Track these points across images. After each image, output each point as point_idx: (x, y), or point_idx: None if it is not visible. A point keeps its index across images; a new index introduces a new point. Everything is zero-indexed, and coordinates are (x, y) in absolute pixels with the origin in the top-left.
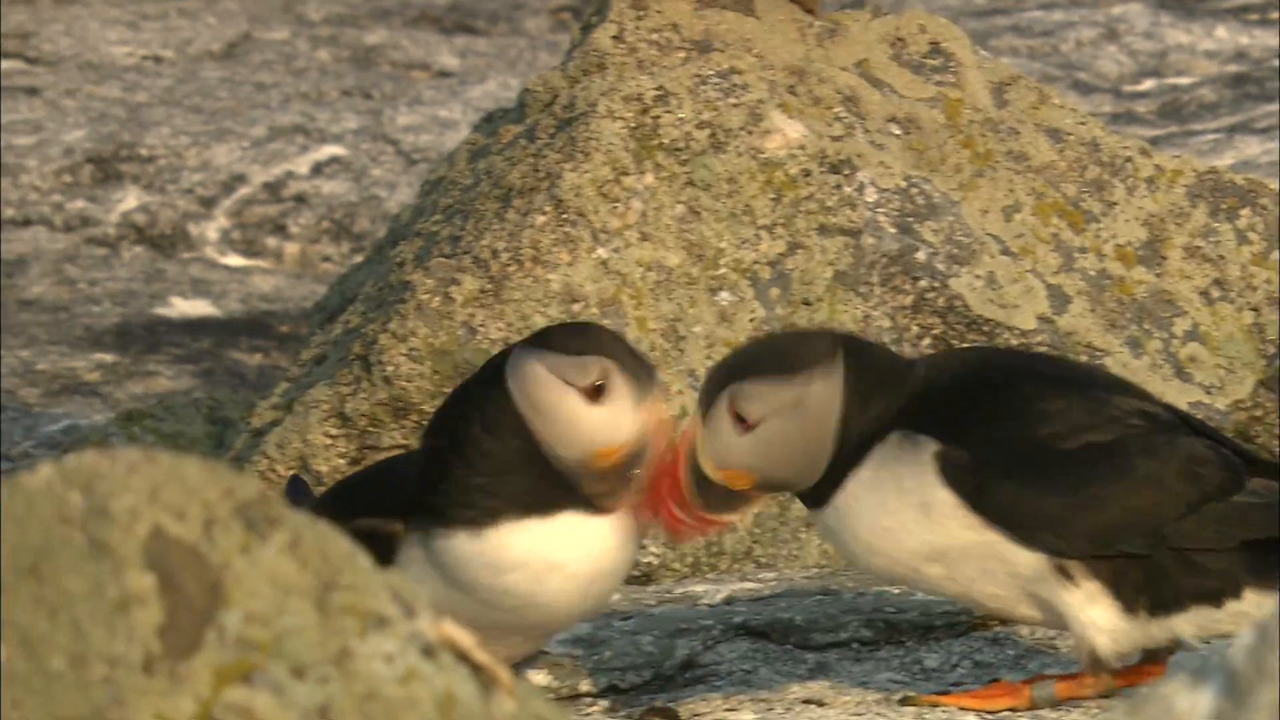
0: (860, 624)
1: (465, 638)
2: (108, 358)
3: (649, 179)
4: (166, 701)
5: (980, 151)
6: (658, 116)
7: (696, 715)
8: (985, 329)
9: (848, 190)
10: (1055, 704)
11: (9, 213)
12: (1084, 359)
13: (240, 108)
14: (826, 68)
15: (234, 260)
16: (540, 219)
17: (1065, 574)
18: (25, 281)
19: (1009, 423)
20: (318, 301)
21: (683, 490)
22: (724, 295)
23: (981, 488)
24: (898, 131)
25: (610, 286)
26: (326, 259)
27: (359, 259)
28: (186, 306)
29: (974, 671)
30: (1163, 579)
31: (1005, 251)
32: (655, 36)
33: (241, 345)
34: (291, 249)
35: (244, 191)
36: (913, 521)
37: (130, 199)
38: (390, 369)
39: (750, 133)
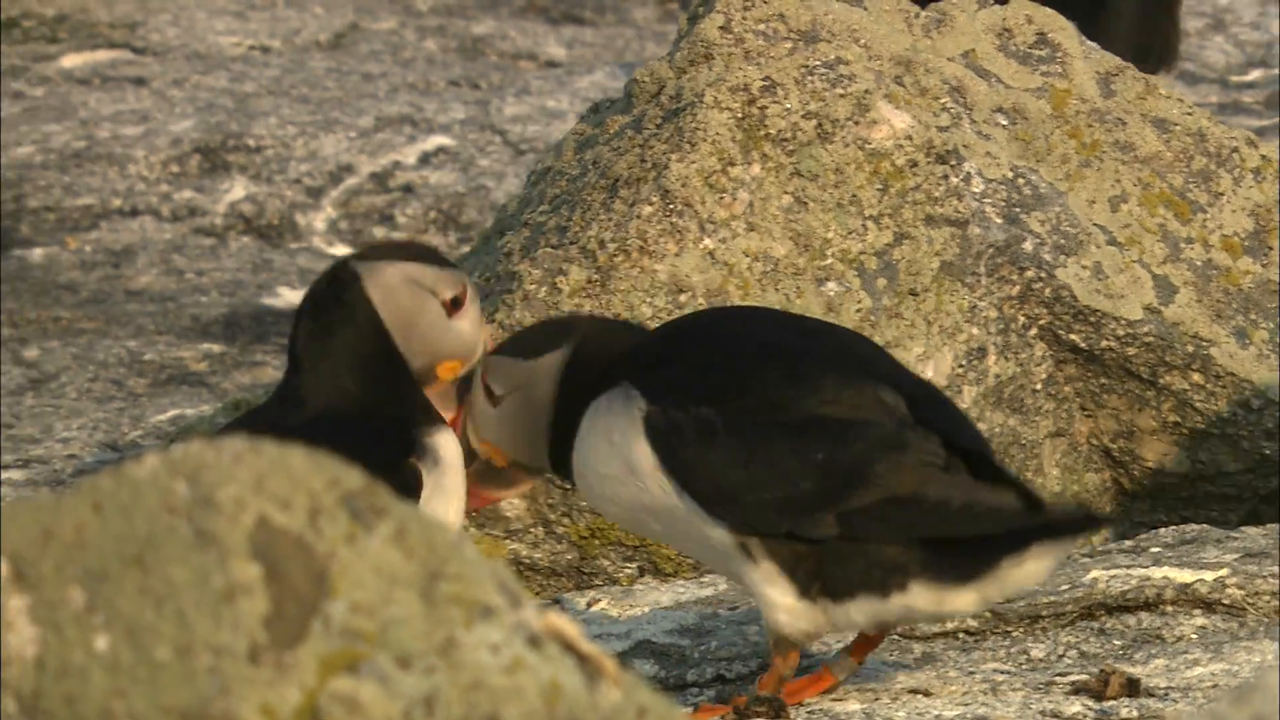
0: (966, 614)
1: (571, 628)
2: (215, 348)
3: (756, 169)
4: (272, 691)
5: (1087, 142)
6: (765, 107)
7: (802, 705)
8: (1091, 319)
9: (954, 181)
10: (759, 699)
11: (116, 203)
12: (1190, 349)
13: (348, 98)
14: (933, 58)
15: (341, 250)
16: (647, 209)
17: (746, 551)
18: (133, 272)
19: (718, 391)
20: None
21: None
22: (831, 285)
23: (677, 452)
24: (1004, 122)
25: (717, 277)
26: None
27: (466, 249)
28: (294, 296)
29: (1080, 662)
30: (835, 565)
31: (1112, 242)
32: (762, 27)
33: None
34: (399, 239)
35: (351, 182)
36: (623, 475)
37: (238, 189)
38: None
39: (857, 123)
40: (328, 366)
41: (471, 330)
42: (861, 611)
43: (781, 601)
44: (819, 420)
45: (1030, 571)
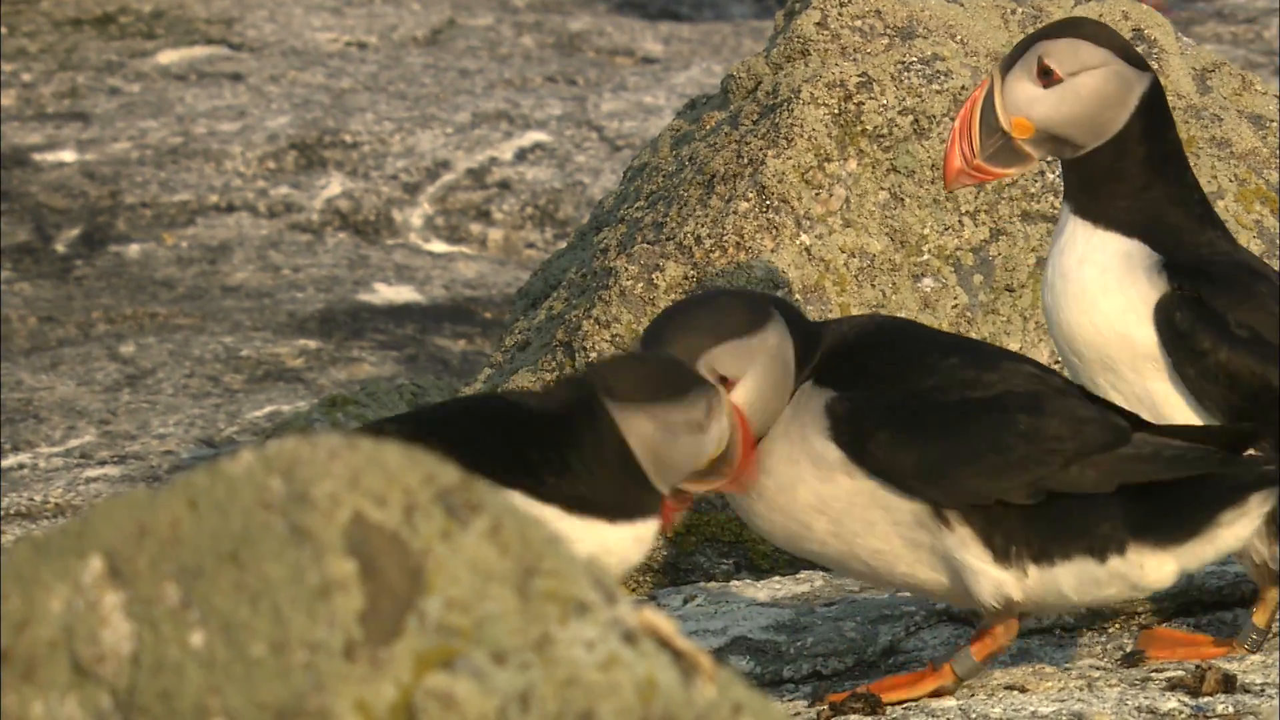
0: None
1: (666, 624)
2: (311, 344)
3: (852, 165)
4: (367, 687)
5: (1183, 138)
6: (861, 103)
7: (898, 701)
8: None
9: (1050, 177)
10: (978, 669)
11: (213, 199)
12: None
13: (444, 94)
14: None
15: (438, 246)
16: (743, 205)
17: (944, 520)
18: (229, 268)
19: (896, 377)
20: (521, 288)
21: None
22: (927, 281)
23: (862, 438)
24: None
25: (813, 273)
26: (530, 245)
27: (562, 245)
28: (390, 293)
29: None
30: (1042, 528)
31: None
32: (859, 23)
33: (445, 331)
34: (495, 235)
35: (448, 178)
36: (808, 472)
37: (334, 185)
38: (593, 355)
39: (953, 119)
40: (569, 459)
41: (724, 428)
42: (1073, 576)
43: (988, 569)
44: (1012, 394)
45: (1239, 531)
